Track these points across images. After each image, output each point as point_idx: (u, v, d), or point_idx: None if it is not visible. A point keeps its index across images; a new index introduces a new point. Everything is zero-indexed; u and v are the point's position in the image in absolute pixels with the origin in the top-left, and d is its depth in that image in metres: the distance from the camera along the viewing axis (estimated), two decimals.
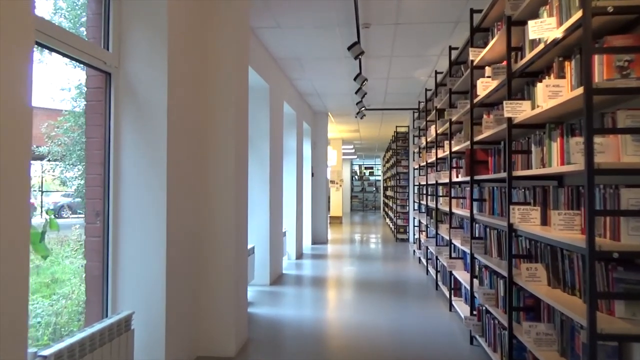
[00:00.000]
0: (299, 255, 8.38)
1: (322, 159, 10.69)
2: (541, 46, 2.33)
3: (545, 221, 2.57)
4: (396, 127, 11.49)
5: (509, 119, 2.77)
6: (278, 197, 6.66)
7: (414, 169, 8.97)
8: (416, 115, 8.95)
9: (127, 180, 2.90)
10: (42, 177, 3.90)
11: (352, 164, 25.22)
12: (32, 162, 1.82)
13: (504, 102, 2.70)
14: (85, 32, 2.96)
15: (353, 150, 20.03)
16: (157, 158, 2.89)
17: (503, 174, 3.01)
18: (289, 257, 7.98)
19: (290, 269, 7.13)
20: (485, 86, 3.39)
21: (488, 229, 3.58)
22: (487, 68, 3.61)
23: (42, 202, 4.22)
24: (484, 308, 3.52)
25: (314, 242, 10.10)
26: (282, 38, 5.24)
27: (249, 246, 5.54)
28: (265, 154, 5.98)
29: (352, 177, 25.06)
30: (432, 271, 6.26)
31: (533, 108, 2.66)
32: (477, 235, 3.85)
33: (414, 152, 9.64)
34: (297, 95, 8.17)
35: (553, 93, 2.18)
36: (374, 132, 13.90)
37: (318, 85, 7.71)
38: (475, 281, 3.77)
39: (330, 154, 13.42)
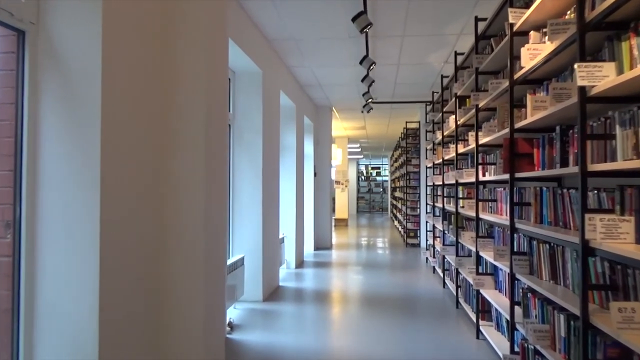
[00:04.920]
0: (300, 264, 7.56)
1: (325, 158, 9.86)
2: None
3: None
4: (406, 122, 10.66)
5: (582, 90, 1.95)
6: (274, 200, 5.85)
7: (427, 167, 8.13)
8: (429, 108, 8.10)
9: (48, 178, 2.11)
10: None
11: (358, 164, 24.42)
12: None
13: (576, 65, 1.87)
14: None
15: (359, 150, 19.23)
16: (89, 148, 2.10)
17: (571, 169, 2.18)
18: (288, 265, 7.16)
19: (288, 280, 6.31)
20: (533, 54, 2.57)
21: (535, 243, 2.75)
22: (532, 33, 2.79)
23: None
24: (530, 346, 2.69)
25: (316, 248, 9.27)
26: (275, 11, 4.43)
27: (238, 257, 4.74)
28: (258, 150, 5.16)
29: (358, 177, 24.25)
30: (450, 285, 5.42)
31: (620, 72, 1.83)
32: (516, 249, 3.02)
33: (426, 149, 8.81)
34: (296, 85, 7.36)
35: None
36: (382, 129, 13.05)
37: (320, 74, 6.89)
38: (518, 309, 2.94)
39: (335, 153, 12.61)
